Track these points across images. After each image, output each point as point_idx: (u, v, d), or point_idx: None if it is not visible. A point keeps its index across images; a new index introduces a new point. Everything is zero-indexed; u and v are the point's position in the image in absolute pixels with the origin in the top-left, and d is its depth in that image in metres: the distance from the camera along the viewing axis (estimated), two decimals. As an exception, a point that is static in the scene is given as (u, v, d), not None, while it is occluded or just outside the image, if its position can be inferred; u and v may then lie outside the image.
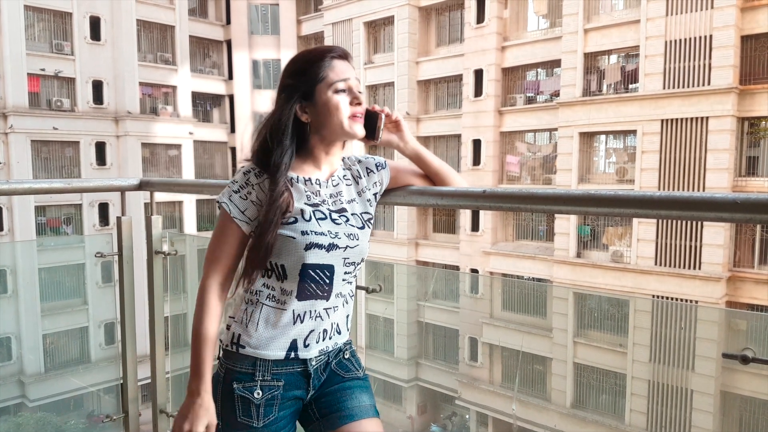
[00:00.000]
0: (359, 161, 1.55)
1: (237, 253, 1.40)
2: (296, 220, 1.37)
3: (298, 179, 1.42)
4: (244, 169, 1.41)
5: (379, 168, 1.55)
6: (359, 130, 1.43)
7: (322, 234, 1.37)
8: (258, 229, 1.36)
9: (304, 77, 1.41)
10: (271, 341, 1.39)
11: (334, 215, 1.42)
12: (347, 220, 1.43)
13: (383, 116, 1.46)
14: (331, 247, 1.38)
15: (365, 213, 1.49)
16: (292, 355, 1.40)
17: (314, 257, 1.37)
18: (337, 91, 1.39)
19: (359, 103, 1.42)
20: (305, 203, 1.40)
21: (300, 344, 1.41)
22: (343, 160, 1.53)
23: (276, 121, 1.41)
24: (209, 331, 1.37)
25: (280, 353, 1.39)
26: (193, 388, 1.35)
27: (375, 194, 1.54)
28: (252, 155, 1.43)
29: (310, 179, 1.43)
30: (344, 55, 1.43)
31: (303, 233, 1.35)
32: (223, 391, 1.40)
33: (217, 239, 1.40)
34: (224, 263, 1.40)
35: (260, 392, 1.38)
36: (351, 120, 1.41)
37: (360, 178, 1.52)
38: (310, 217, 1.37)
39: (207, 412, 1.35)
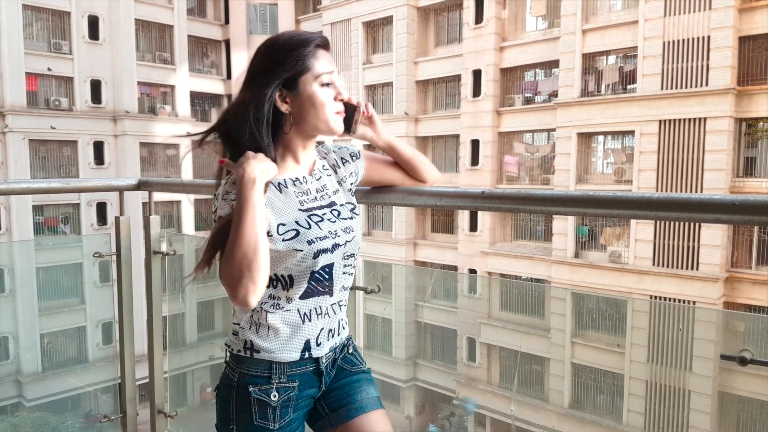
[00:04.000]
0: (334, 150, 1.52)
1: None
2: (298, 233, 1.33)
3: (286, 183, 1.37)
4: (232, 177, 1.30)
5: (354, 158, 1.53)
6: (341, 126, 1.39)
7: (325, 237, 1.34)
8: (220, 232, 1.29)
9: (287, 63, 1.32)
10: (286, 344, 1.37)
11: (327, 212, 1.39)
12: (339, 213, 1.41)
13: (361, 110, 1.42)
14: (334, 247, 1.36)
15: (349, 203, 1.47)
16: (306, 355, 1.39)
17: (322, 261, 1.35)
18: (323, 85, 1.34)
19: (342, 99, 1.38)
20: (299, 209, 1.36)
21: (313, 343, 1.40)
22: (316, 149, 1.49)
23: (251, 110, 1.31)
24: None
25: (295, 355, 1.38)
26: (241, 176, 1.25)
27: (352, 184, 1.52)
28: (228, 152, 1.36)
29: (297, 179, 1.39)
30: (326, 44, 1.37)
31: (309, 242, 1.33)
32: (237, 395, 1.38)
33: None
34: None
35: (276, 394, 1.37)
36: (336, 115, 1.37)
37: (338, 167, 1.49)
38: (309, 225, 1.34)
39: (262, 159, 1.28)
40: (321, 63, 1.34)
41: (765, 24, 14.48)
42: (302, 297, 1.37)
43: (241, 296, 1.21)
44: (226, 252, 1.23)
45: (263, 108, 1.31)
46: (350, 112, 1.41)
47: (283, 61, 1.32)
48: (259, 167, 1.25)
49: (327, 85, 1.35)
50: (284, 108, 1.35)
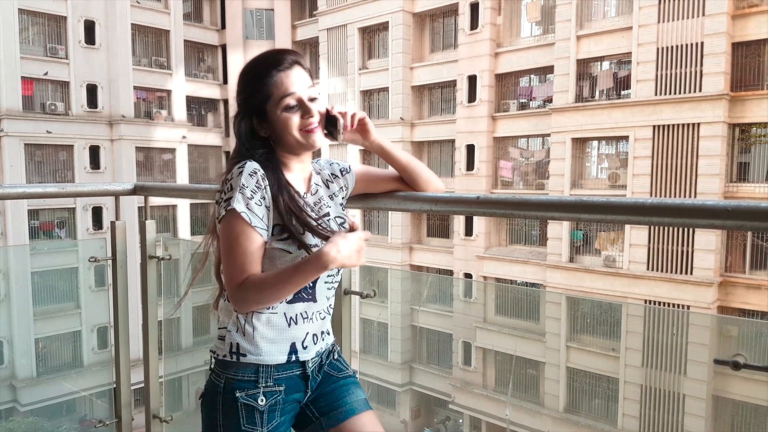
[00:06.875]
0: (327, 166, 1.57)
1: (260, 261, 1.35)
2: (291, 235, 1.36)
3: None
4: (248, 169, 1.33)
5: (344, 173, 1.58)
6: (316, 140, 1.41)
7: (315, 246, 1.37)
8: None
9: (251, 95, 1.40)
10: (273, 346, 1.39)
11: (321, 222, 1.43)
12: (328, 227, 1.45)
13: (341, 120, 1.45)
14: None
15: (339, 216, 1.50)
16: (293, 358, 1.41)
17: None
18: (286, 108, 1.38)
19: (312, 116, 1.40)
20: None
21: (299, 346, 1.42)
22: (312, 164, 1.54)
23: (237, 136, 1.43)
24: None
25: (282, 357, 1.40)
26: (320, 255, 1.28)
27: (343, 198, 1.56)
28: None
29: (298, 192, 1.43)
30: (292, 64, 1.39)
31: (299, 248, 1.36)
32: (223, 401, 1.39)
33: (241, 249, 1.31)
34: (254, 272, 1.33)
35: (264, 399, 1.38)
36: (305, 134, 1.40)
37: (330, 182, 1.54)
38: (303, 230, 1.37)
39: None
40: (281, 88, 1.38)
41: (758, 30, 14.58)
42: (290, 302, 1.40)
43: (248, 310, 1.37)
44: (263, 285, 1.31)
45: (242, 136, 1.42)
46: (334, 120, 1.44)
47: (248, 93, 1.41)
48: (344, 258, 1.29)
49: (292, 107, 1.38)
50: (263, 133, 1.42)
